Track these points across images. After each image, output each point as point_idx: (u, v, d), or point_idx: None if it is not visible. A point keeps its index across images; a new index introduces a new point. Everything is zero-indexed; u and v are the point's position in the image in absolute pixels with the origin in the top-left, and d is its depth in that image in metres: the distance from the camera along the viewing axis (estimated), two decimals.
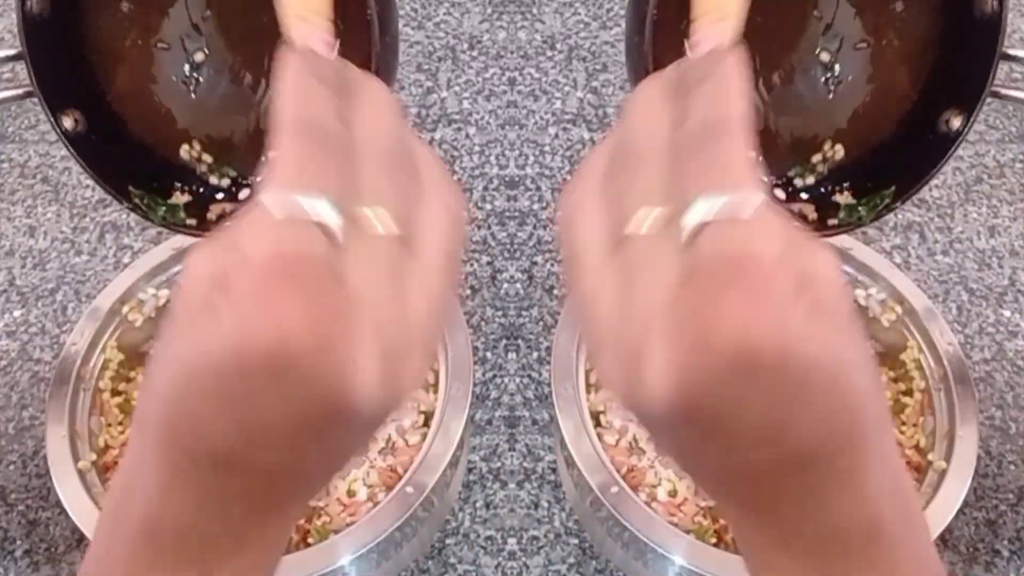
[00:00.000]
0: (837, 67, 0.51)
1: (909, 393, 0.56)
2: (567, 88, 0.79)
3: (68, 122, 0.47)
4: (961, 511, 0.48)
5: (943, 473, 0.50)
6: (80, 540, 0.56)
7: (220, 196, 0.51)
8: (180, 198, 0.51)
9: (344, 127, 0.28)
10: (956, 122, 0.48)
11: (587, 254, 0.28)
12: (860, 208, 0.51)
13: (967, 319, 0.67)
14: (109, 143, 0.49)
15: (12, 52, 0.44)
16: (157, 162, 0.50)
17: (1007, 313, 0.67)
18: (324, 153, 0.26)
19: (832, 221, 0.51)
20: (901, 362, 0.57)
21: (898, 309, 0.57)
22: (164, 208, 0.50)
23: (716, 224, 0.24)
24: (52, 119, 0.47)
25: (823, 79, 0.51)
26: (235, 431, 0.24)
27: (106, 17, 0.47)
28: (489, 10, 0.85)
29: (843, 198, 0.51)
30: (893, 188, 0.50)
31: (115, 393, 0.56)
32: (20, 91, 0.45)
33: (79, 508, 0.49)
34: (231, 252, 0.24)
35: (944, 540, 0.57)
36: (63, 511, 0.49)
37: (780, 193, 0.53)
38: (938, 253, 0.70)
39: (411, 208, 0.27)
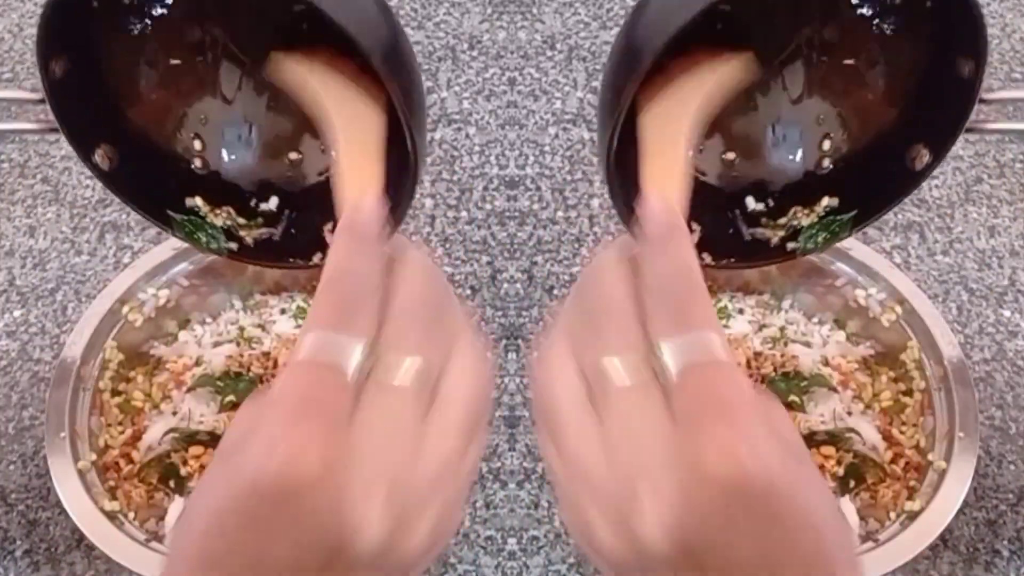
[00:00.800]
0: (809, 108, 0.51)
1: (909, 393, 0.56)
2: (567, 88, 0.79)
3: (99, 158, 0.47)
4: (961, 511, 0.49)
5: (943, 473, 0.50)
6: (80, 540, 0.56)
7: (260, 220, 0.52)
8: (217, 217, 0.51)
9: (385, 283, 0.30)
10: (924, 158, 0.48)
11: (565, 413, 0.29)
12: (819, 234, 0.51)
13: (967, 319, 0.67)
14: (143, 172, 0.49)
15: (37, 96, 0.43)
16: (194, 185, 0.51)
17: (1007, 313, 0.67)
18: (361, 301, 0.28)
19: (792, 246, 0.51)
20: (901, 362, 0.57)
21: (898, 309, 0.57)
22: (206, 234, 0.51)
23: (690, 369, 0.27)
24: (85, 159, 0.47)
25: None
26: (251, 560, 0.25)
27: (128, 68, 0.47)
28: (489, 10, 0.85)
29: (805, 218, 0.52)
30: (854, 213, 0.51)
31: (115, 393, 0.56)
32: (44, 126, 0.45)
33: (79, 508, 0.49)
34: (267, 394, 0.26)
35: (944, 540, 0.57)
36: (63, 511, 0.49)
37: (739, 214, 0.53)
38: (938, 253, 0.70)
39: (438, 366, 0.29)
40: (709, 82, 0.41)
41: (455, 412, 0.29)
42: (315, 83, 0.42)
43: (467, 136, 0.76)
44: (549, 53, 0.82)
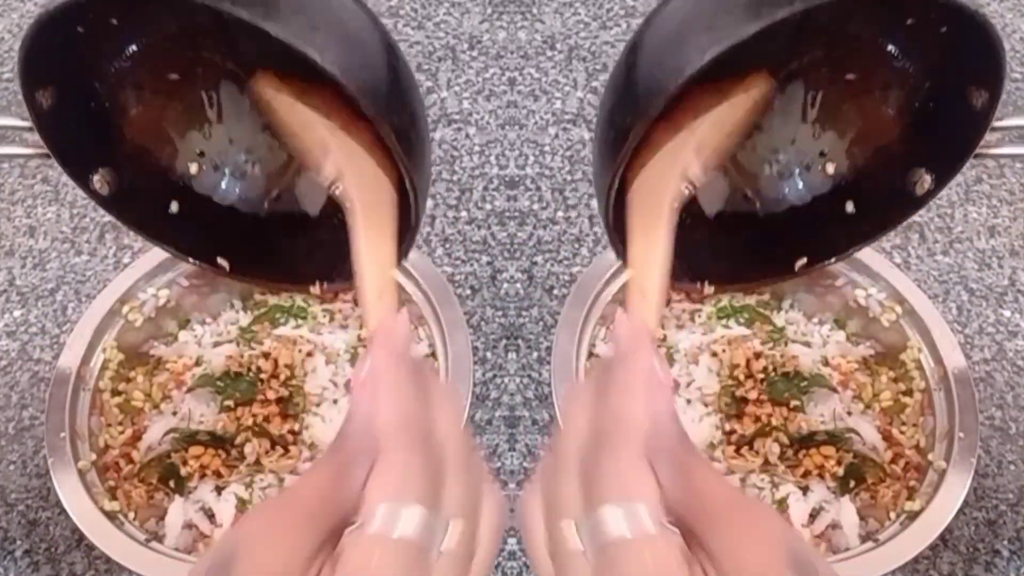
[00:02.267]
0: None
1: (909, 393, 0.56)
2: (567, 88, 0.79)
3: (98, 183, 0.47)
4: (961, 511, 0.48)
5: (943, 473, 0.50)
6: (80, 540, 0.57)
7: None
8: None
9: (428, 429, 0.33)
10: (926, 184, 0.48)
11: (535, 552, 0.32)
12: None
13: (967, 319, 0.67)
14: (143, 195, 0.50)
15: (28, 124, 0.43)
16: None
17: (1007, 313, 0.67)
18: (421, 462, 0.31)
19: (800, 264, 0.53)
20: (901, 362, 0.57)
21: (898, 309, 0.57)
22: None
23: (618, 543, 0.29)
24: (83, 185, 0.47)
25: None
26: None
27: (121, 92, 0.47)
28: (489, 10, 0.85)
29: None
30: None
31: (115, 393, 0.56)
32: (39, 151, 0.44)
33: (79, 508, 0.49)
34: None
35: (944, 540, 0.57)
36: (63, 511, 0.49)
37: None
38: (938, 253, 0.70)
39: (478, 517, 0.32)
40: (701, 132, 0.43)
41: (487, 556, 0.32)
42: (323, 130, 0.42)
43: (467, 136, 0.76)
44: (549, 53, 0.82)
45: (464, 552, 0.31)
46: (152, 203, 0.50)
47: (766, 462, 0.53)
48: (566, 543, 0.31)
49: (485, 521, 0.33)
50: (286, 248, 0.53)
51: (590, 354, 0.57)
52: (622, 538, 0.30)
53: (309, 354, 0.58)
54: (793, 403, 0.56)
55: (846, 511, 0.52)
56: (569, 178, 0.73)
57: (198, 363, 0.58)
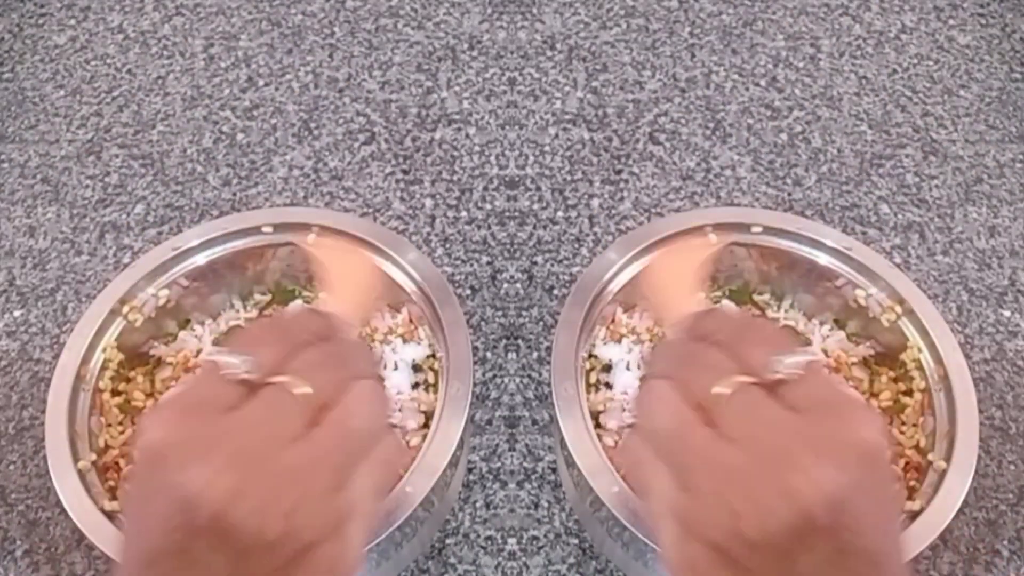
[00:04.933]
0: None
1: (909, 393, 0.56)
2: (567, 88, 0.79)
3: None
4: (961, 511, 0.48)
5: (943, 473, 0.50)
6: (80, 540, 0.56)
7: None
8: None
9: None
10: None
11: (687, 433, 0.32)
12: None
13: (967, 319, 0.67)
14: None
15: None
16: None
17: (1007, 313, 0.67)
18: (273, 336, 0.33)
19: None
20: (901, 362, 0.57)
21: (898, 309, 0.57)
22: None
23: (808, 367, 0.31)
24: None
25: None
26: (136, 527, 0.30)
27: None
28: (489, 10, 0.85)
29: None
30: None
31: (115, 393, 0.56)
32: None
33: (79, 508, 0.49)
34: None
35: (944, 540, 0.57)
36: (63, 511, 0.49)
37: None
38: (938, 253, 0.70)
39: (330, 396, 0.32)
40: None
41: (331, 430, 0.32)
42: None
43: (467, 136, 0.76)
44: (549, 53, 0.82)
45: (302, 405, 0.31)
46: None
47: None
48: (728, 394, 0.32)
49: (347, 398, 0.33)
50: None
51: (590, 354, 0.57)
52: (814, 365, 0.32)
53: None
54: None
55: None
56: (569, 178, 0.73)
57: None
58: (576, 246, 0.70)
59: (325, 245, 0.56)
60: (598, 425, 0.55)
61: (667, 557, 0.34)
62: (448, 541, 0.58)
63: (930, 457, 0.52)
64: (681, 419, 0.32)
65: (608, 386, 0.57)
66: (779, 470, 0.29)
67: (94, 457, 0.52)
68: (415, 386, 0.57)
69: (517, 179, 0.74)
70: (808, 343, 0.33)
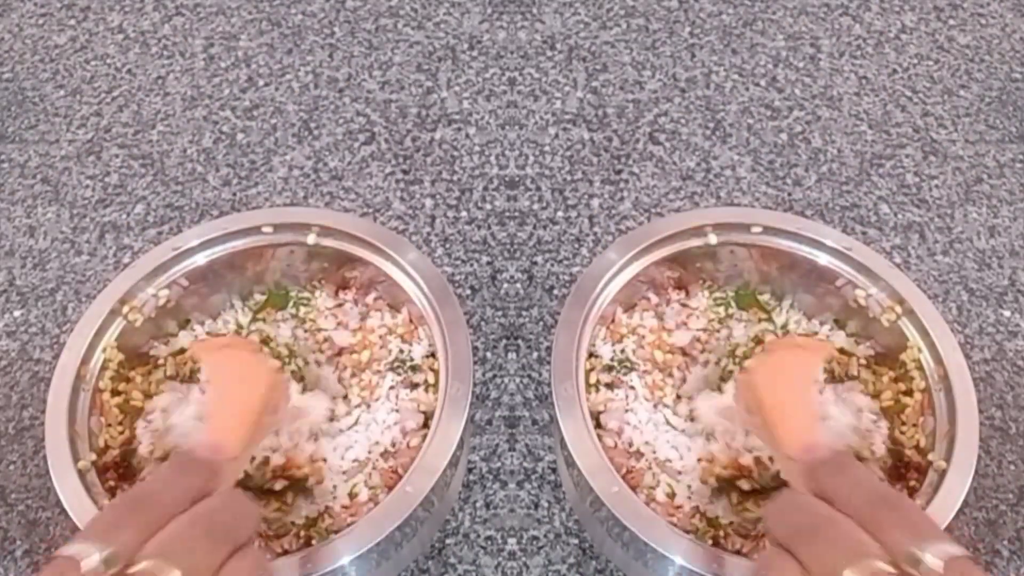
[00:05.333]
0: None
1: (909, 393, 0.56)
2: (567, 88, 0.79)
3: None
4: (961, 511, 0.48)
5: (943, 473, 0.50)
6: None
7: None
8: None
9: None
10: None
11: None
12: None
13: (967, 319, 0.67)
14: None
15: None
16: None
17: (1007, 313, 0.67)
18: (135, 514, 0.31)
19: None
20: (901, 362, 0.57)
21: (898, 309, 0.57)
22: None
23: (953, 563, 0.29)
24: None
25: None
26: None
27: None
28: (489, 10, 0.85)
29: None
30: None
31: (115, 393, 0.56)
32: None
33: (79, 508, 0.49)
34: None
35: None
36: (63, 511, 0.49)
37: None
38: (938, 253, 0.70)
39: (207, 568, 0.30)
40: None
41: None
42: None
43: (467, 136, 0.76)
44: (549, 53, 0.82)
45: None
46: None
47: (761, 460, 0.53)
48: None
49: None
50: None
51: (590, 354, 0.57)
52: (959, 557, 0.30)
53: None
54: None
55: None
56: (569, 178, 0.73)
57: None
58: (576, 246, 0.70)
59: (211, 345, 0.55)
60: (598, 425, 0.55)
61: None
62: (448, 541, 0.58)
63: (930, 457, 0.52)
64: None
65: (608, 386, 0.57)
66: None
67: (94, 457, 0.52)
68: (414, 386, 0.57)
69: (517, 179, 0.74)
70: (949, 535, 0.34)
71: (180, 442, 0.49)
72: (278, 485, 0.52)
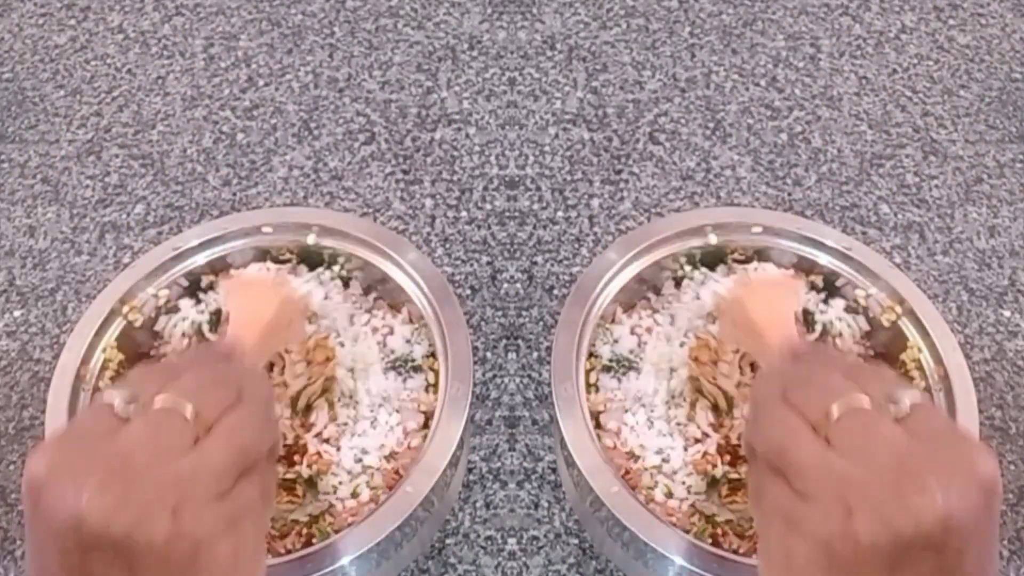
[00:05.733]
0: None
1: None
2: (567, 88, 0.79)
3: None
4: None
5: None
6: None
7: None
8: None
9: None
10: None
11: (804, 442, 0.33)
12: None
13: (967, 319, 0.67)
14: None
15: None
16: None
17: (1007, 313, 0.67)
18: (156, 371, 0.35)
19: None
20: (901, 362, 0.57)
21: (898, 309, 0.57)
22: None
23: (920, 405, 0.33)
24: None
25: None
26: (33, 548, 0.33)
27: None
28: (489, 10, 0.85)
29: None
30: None
31: None
32: None
33: None
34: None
35: None
36: None
37: None
38: (938, 253, 0.70)
39: (211, 413, 0.34)
40: None
41: (212, 444, 0.33)
42: None
43: (467, 136, 0.76)
44: (549, 53, 0.82)
45: (182, 421, 0.33)
46: None
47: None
48: (848, 409, 0.33)
49: (230, 416, 0.34)
50: None
51: (590, 354, 0.57)
52: (926, 403, 0.34)
53: None
54: None
55: None
56: (569, 178, 0.73)
57: None
58: (576, 246, 0.70)
59: (237, 281, 0.58)
60: (598, 425, 0.55)
61: (765, 553, 0.35)
62: (448, 541, 0.58)
63: None
64: (797, 431, 0.33)
65: (608, 387, 0.57)
66: (900, 485, 0.30)
67: None
68: (414, 387, 0.57)
69: (517, 179, 0.74)
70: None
71: None
72: (290, 474, 0.52)
